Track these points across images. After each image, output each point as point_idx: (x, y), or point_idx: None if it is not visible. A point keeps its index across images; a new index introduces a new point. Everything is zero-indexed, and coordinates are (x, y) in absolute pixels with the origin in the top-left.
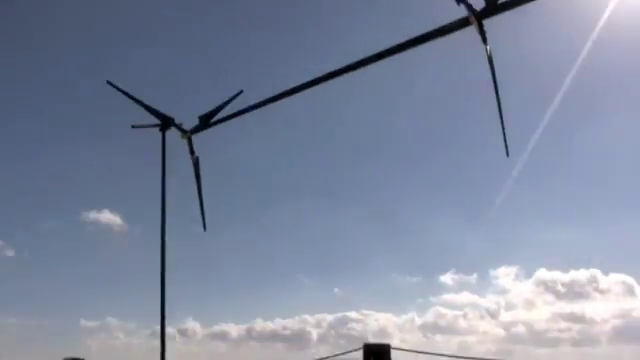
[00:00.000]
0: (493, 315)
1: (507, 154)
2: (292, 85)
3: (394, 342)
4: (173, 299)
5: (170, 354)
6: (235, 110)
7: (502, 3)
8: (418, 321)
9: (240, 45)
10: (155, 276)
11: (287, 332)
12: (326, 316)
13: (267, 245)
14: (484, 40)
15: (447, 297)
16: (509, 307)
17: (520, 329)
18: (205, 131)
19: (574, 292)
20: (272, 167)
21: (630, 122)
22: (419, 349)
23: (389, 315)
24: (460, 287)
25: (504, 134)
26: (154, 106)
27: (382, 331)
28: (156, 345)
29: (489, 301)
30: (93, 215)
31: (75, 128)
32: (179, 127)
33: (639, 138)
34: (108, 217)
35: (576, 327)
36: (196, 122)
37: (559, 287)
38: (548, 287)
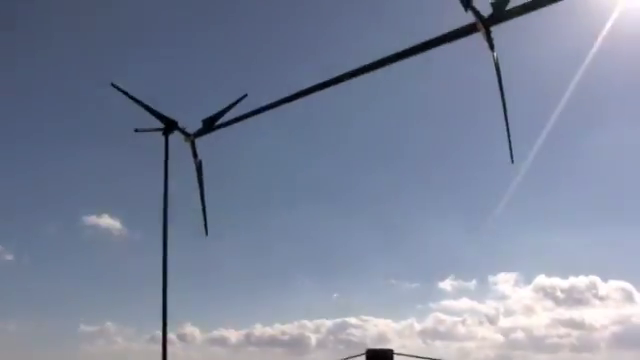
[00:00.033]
0: (492, 321)
1: (512, 161)
2: (297, 90)
3: (393, 348)
4: (172, 304)
5: (169, 359)
6: (239, 114)
7: (509, 10)
8: (417, 327)
9: (245, 50)
10: (154, 281)
11: (286, 337)
12: (325, 321)
13: (266, 250)
14: (491, 47)
15: (446, 303)
16: (508, 313)
17: (519, 335)
18: (205, 135)
19: (573, 298)
20: (272, 172)
21: (631, 130)
22: (419, 355)
23: (388, 321)
24: (459, 293)
25: (509, 141)
26: (158, 109)
27: (381, 337)
28: (155, 350)
29: (488, 307)
30: (93, 220)
31: (76, 132)
32: (183, 130)
33: (638, 147)
34: (108, 222)
35: (575, 333)
36: (199, 126)
37: (558, 293)
38: (547, 293)
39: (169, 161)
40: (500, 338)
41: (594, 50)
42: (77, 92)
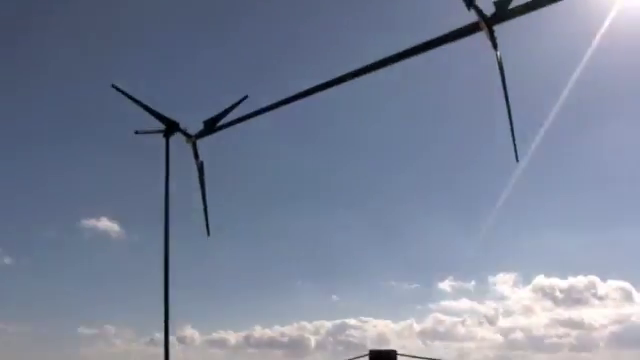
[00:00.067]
0: (492, 321)
1: (517, 159)
2: (297, 91)
3: (393, 349)
4: (172, 306)
5: None
6: (240, 115)
7: (512, 9)
8: (417, 328)
9: (246, 51)
10: (153, 283)
11: (285, 339)
12: (324, 323)
13: (265, 252)
14: (494, 46)
15: (446, 304)
16: (507, 313)
17: (518, 335)
18: (206, 137)
19: (572, 298)
20: (272, 174)
21: (628, 130)
22: (422, 356)
23: (388, 322)
24: (458, 294)
25: (514, 139)
26: (159, 111)
27: (381, 338)
28: (154, 352)
29: (487, 307)
30: (91, 222)
31: (75, 135)
32: (184, 132)
33: (636, 146)
34: (106, 224)
35: (574, 333)
36: (200, 127)
37: (557, 293)
38: (546, 293)
39: (169, 163)
40: (499, 338)
41: (592, 49)
42: (77, 94)
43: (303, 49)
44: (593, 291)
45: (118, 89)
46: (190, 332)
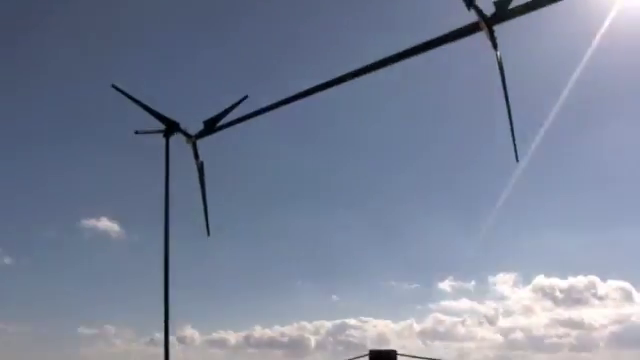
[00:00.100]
0: (492, 321)
1: (517, 159)
2: (297, 91)
3: (393, 349)
4: (172, 306)
5: None
6: (240, 115)
7: (512, 9)
8: (417, 328)
9: (246, 51)
10: (153, 283)
11: (285, 339)
12: (324, 323)
13: (265, 252)
14: (494, 46)
15: (446, 304)
16: (507, 313)
17: (518, 335)
18: (206, 137)
19: (572, 298)
20: (272, 175)
21: (628, 130)
22: (422, 356)
23: (387, 322)
24: (458, 294)
25: (514, 140)
26: (159, 111)
27: (381, 338)
28: (154, 352)
29: (488, 307)
30: (91, 222)
31: (75, 135)
32: (184, 132)
33: (636, 146)
34: (106, 224)
35: (574, 333)
36: (200, 127)
37: (557, 293)
38: (546, 293)
39: (169, 163)
40: (499, 338)
41: (592, 49)
42: (76, 94)
43: (303, 49)
44: (593, 291)
45: (118, 89)
46: (190, 332)
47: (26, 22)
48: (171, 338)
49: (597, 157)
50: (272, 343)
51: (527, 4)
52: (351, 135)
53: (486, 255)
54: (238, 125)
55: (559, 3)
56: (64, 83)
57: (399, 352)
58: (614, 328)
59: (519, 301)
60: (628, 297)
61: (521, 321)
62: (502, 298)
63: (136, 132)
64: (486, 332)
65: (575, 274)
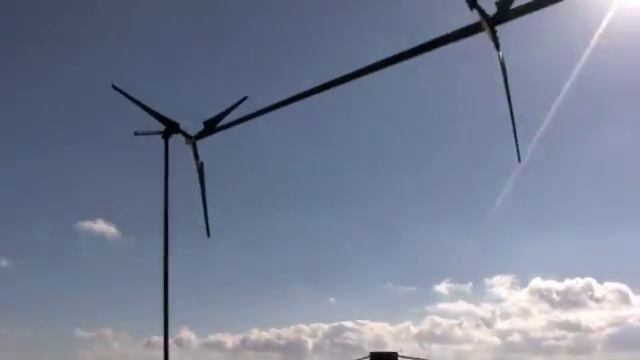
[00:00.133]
0: (489, 324)
1: (519, 159)
2: (297, 92)
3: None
4: (169, 309)
5: None
6: (240, 116)
7: (514, 9)
8: (413, 330)
9: (246, 52)
10: (150, 286)
11: (282, 342)
12: (321, 325)
13: (262, 255)
14: (497, 46)
15: (442, 306)
16: (504, 316)
17: (516, 337)
18: (206, 137)
19: (569, 300)
20: (270, 177)
21: (626, 133)
22: (423, 358)
23: (384, 324)
24: (455, 296)
25: (516, 140)
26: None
27: (378, 340)
28: (151, 355)
29: (484, 310)
30: (88, 225)
31: (72, 136)
32: (184, 132)
33: (633, 149)
34: (102, 227)
35: (571, 335)
36: (199, 128)
37: (554, 296)
38: (543, 296)
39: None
40: (497, 341)
41: (590, 49)
42: (75, 96)
43: (304, 49)
44: (590, 293)
45: (118, 90)
46: (187, 335)
47: (26, 23)
48: (169, 340)
49: (594, 161)
50: (269, 346)
51: (529, 4)
52: (348, 137)
53: (483, 257)
54: (237, 126)
55: (559, 3)
56: (62, 84)
57: (400, 354)
58: (611, 330)
59: (516, 303)
60: (625, 299)
61: (518, 323)
62: (499, 300)
63: (135, 133)
64: (483, 334)
65: (572, 276)
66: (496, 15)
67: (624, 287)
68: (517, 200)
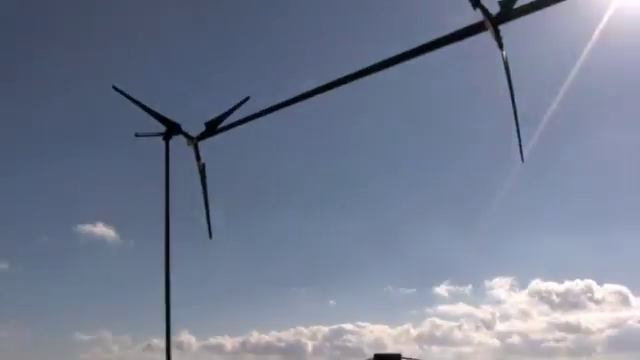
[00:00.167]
0: (488, 326)
1: (522, 159)
2: (303, 90)
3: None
4: (170, 312)
5: None
6: (242, 117)
7: (517, 8)
8: (413, 332)
9: (247, 52)
10: (150, 289)
11: (282, 344)
12: (321, 328)
13: (262, 257)
14: (500, 45)
15: (442, 308)
16: (504, 318)
17: (515, 339)
18: (204, 139)
19: (569, 302)
20: (270, 180)
21: (624, 134)
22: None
23: (384, 327)
24: (455, 298)
25: (519, 139)
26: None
27: (377, 343)
28: (151, 358)
29: (484, 312)
30: (87, 228)
31: (72, 139)
32: (186, 134)
33: (633, 150)
34: (102, 230)
35: (571, 337)
36: (200, 130)
37: (554, 297)
38: (543, 297)
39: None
40: (496, 343)
41: (588, 49)
42: (74, 98)
43: (307, 49)
44: (590, 295)
45: (119, 91)
46: (187, 337)
47: (26, 24)
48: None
49: (593, 162)
50: (269, 348)
51: (532, 3)
52: (348, 139)
53: (482, 259)
54: (238, 127)
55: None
56: (61, 87)
57: (403, 356)
58: (611, 332)
59: (516, 305)
60: (625, 301)
61: (518, 325)
62: (499, 302)
63: (136, 135)
64: (483, 336)
65: (572, 278)
66: (499, 14)
67: (624, 289)
68: (517, 202)
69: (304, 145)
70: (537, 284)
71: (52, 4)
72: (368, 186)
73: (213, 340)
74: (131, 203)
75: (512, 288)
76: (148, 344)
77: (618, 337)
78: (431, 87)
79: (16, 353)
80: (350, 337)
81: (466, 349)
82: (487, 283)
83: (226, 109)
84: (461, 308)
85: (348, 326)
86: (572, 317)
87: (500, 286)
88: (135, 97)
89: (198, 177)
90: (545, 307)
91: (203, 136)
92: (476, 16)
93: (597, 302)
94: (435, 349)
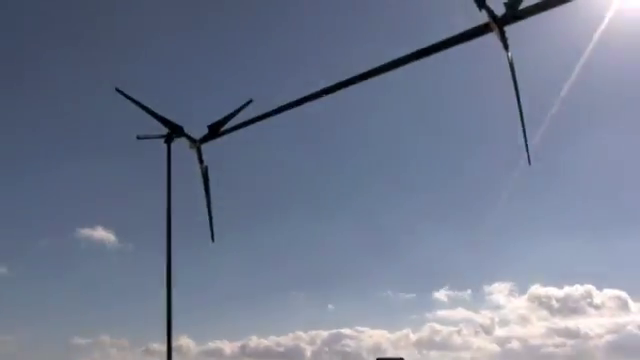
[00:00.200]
0: (488, 331)
1: (529, 162)
2: (306, 93)
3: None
4: (172, 316)
5: None
6: (245, 119)
7: (522, 10)
8: (412, 337)
9: (251, 55)
10: (148, 293)
11: (281, 349)
12: (320, 333)
13: (261, 261)
14: (505, 47)
15: (441, 313)
16: (503, 323)
17: (515, 345)
18: (206, 142)
19: (568, 307)
20: (269, 184)
21: (624, 138)
22: None
23: (383, 332)
24: (454, 303)
25: (526, 142)
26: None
27: (376, 347)
28: None
29: (483, 317)
30: (87, 232)
31: (72, 141)
32: (189, 136)
33: (633, 154)
34: (101, 234)
35: (571, 342)
36: (202, 132)
37: (553, 302)
38: (542, 303)
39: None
40: (496, 348)
41: (586, 55)
42: (75, 100)
43: (311, 51)
44: (589, 300)
45: (122, 93)
46: (186, 342)
47: (27, 25)
48: (165, 348)
49: (593, 167)
50: (268, 353)
51: (537, 5)
52: (349, 144)
53: (482, 264)
54: (233, 132)
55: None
56: (61, 89)
57: None
58: (610, 337)
59: (515, 310)
60: (624, 306)
61: (517, 331)
62: (498, 307)
63: (138, 137)
64: (482, 342)
65: (571, 283)
66: (505, 16)
67: (623, 294)
68: (516, 207)
69: (305, 150)
70: (536, 289)
71: (53, 5)
72: (367, 191)
73: (212, 344)
74: (131, 207)
75: (511, 293)
76: (146, 348)
77: (617, 342)
78: (430, 90)
79: (14, 356)
80: (349, 342)
81: (465, 354)
82: (486, 288)
83: (229, 111)
84: (460, 313)
85: (347, 331)
86: (571, 322)
87: (499, 291)
88: (138, 99)
89: (200, 180)
90: (544, 312)
91: (206, 139)
92: (483, 17)
93: (596, 307)
94: (434, 354)
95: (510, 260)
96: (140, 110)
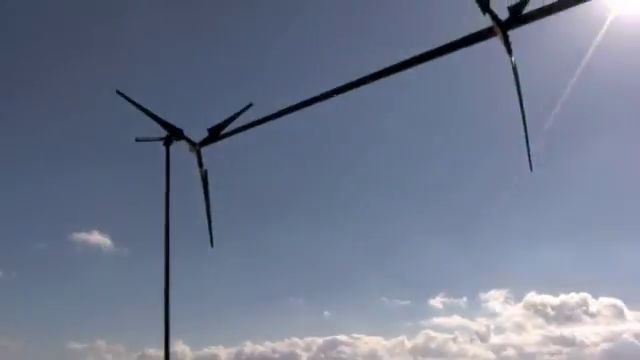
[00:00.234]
0: (483, 338)
1: (531, 169)
2: (306, 97)
3: None
4: (162, 321)
5: None
6: (245, 122)
7: (526, 14)
8: (408, 344)
9: (251, 58)
10: (145, 298)
11: (277, 355)
12: (316, 339)
13: (257, 268)
14: (509, 51)
15: (437, 320)
16: (499, 330)
17: (510, 352)
18: (206, 145)
19: (564, 315)
20: (264, 190)
21: (621, 146)
22: None
23: (379, 338)
24: (450, 310)
25: (528, 148)
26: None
27: (372, 354)
28: None
29: (479, 324)
30: (83, 236)
31: (68, 144)
32: (188, 139)
33: (629, 163)
34: (97, 238)
35: (566, 350)
36: (202, 135)
37: (549, 310)
38: (538, 310)
39: (162, 173)
40: (491, 355)
41: (584, 64)
42: (73, 102)
43: (310, 56)
44: (585, 308)
45: (123, 95)
46: (181, 347)
47: (27, 26)
48: (160, 353)
49: (589, 175)
50: (263, 359)
51: (541, 9)
52: (345, 152)
53: (477, 272)
54: (231, 137)
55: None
56: (58, 92)
57: None
58: (606, 345)
59: (510, 318)
60: (620, 314)
61: (513, 338)
62: (493, 315)
63: (137, 139)
64: (477, 349)
65: (567, 291)
66: (508, 20)
67: (619, 302)
68: (512, 215)
69: (303, 157)
70: (532, 297)
71: (53, 6)
72: (364, 198)
73: (207, 350)
74: (128, 211)
75: (507, 301)
76: (142, 353)
77: (613, 350)
78: (431, 94)
79: None
80: (344, 348)
81: None
82: (482, 295)
83: (230, 115)
84: (456, 320)
85: (343, 337)
86: (567, 330)
87: (495, 299)
88: (137, 102)
89: (200, 184)
90: (540, 320)
91: (206, 142)
92: (486, 21)
93: (592, 315)
94: None
95: (506, 268)
96: (138, 113)
